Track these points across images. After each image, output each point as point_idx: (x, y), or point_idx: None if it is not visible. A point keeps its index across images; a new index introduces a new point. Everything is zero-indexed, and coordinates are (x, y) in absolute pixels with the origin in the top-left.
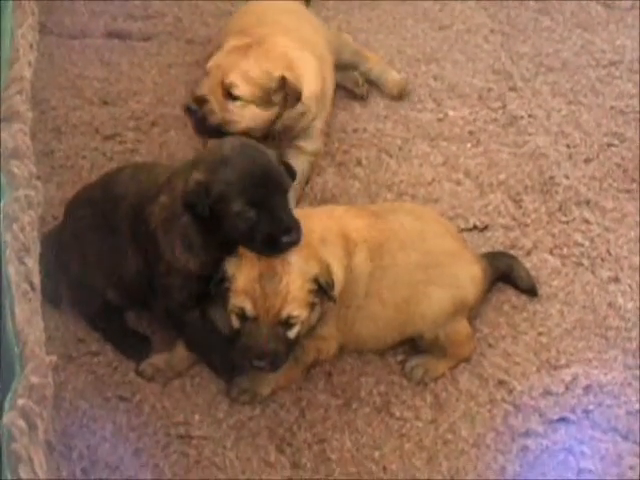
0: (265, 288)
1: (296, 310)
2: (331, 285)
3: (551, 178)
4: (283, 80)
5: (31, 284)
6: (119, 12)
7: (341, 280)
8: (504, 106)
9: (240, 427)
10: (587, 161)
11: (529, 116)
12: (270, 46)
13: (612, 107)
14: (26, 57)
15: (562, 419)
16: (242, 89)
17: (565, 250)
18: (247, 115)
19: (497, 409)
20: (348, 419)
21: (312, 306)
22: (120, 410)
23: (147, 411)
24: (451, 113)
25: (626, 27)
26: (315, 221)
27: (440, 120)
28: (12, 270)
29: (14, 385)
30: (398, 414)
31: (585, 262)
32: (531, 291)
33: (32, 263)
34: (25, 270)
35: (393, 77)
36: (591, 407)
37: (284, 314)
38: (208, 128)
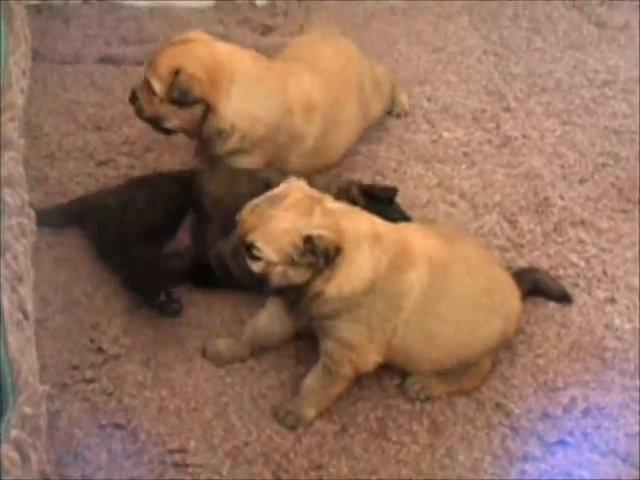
0: (259, 207)
1: (262, 244)
2: (324, 254)
3: (546, 199)
4: (176, 74)
5: (24, 313)
6: (112, 37)
7: (364, 281)
8: (498, 127)
9: (236, 453)
10: (582, 181)
11: (523, 137)
12: (190, 46)
13: (606, 127)
14: (19, 84)
15: (560, 442)
16: (156, 86)
17: (561, 271)
18: (169, 113)
19: (495, 433)
20: (345, 444)
21: (293, 262)
22: (115, 438)
23: (142, 438)
24: (445, 134)
25: (619, 47)
26: (380, 225)
27: (434, 141)
28: (5, 299)
29: (7, 416)
30: (395, 439)
31: (581, 283)
32: (564, 298)
33: (25, 292)
34: (18, 299)
35: (402, 99)
36: (589, 430)
37: (248, 239)
38: (145, 120)
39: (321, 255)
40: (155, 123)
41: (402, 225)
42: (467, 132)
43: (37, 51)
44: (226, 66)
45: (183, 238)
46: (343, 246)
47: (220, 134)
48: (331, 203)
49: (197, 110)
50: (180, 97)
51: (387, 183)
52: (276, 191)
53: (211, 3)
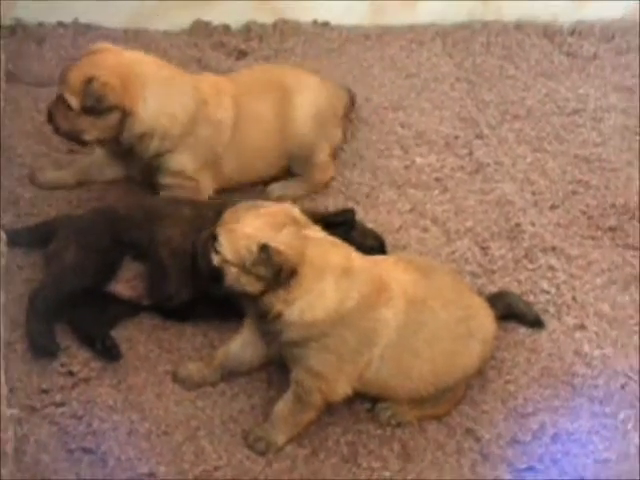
0: (240, 208)
1: (223, 239)
2: (275, 269)
3: (517, 225)
4: (88, 84)
5: None
6: None
7: (326, 310)
8: (471, 153)
9: (206, 478)
10: (552, 208)
11: (495, 163)
12: (99, 56)
13: (576, 155)
14: None
15: (530, 468)
16: (70, 100)
17: (531, 297)
18: (86, 125)
19: (465, 458)
20: (315, 469)
21: (245, 268)
22: (84, 462)
23: (112, 463)
24: (418, 160)
25: (589, 76)
26: (357, 260)
27: (407, 167)
28: None
29: None
30: (365, 464)
31: (551, 309)
32: (537, 322)
33: None
34: None
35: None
36: (559, 456)
37: (216, 231)
38: (64, 136)
39: (271, 268)
40: (74, 137)
41: (381, 259)
42: (440, 158)
43: (11, 72)
44: (136, 72)
45: (127, 277)
46: (300, 270)
47: (141, 139)
48: (313, 232)
49: (113, 118)
50: (95, 105)
51: (360, 208)
52: (265, 203)
53: (185, 26)
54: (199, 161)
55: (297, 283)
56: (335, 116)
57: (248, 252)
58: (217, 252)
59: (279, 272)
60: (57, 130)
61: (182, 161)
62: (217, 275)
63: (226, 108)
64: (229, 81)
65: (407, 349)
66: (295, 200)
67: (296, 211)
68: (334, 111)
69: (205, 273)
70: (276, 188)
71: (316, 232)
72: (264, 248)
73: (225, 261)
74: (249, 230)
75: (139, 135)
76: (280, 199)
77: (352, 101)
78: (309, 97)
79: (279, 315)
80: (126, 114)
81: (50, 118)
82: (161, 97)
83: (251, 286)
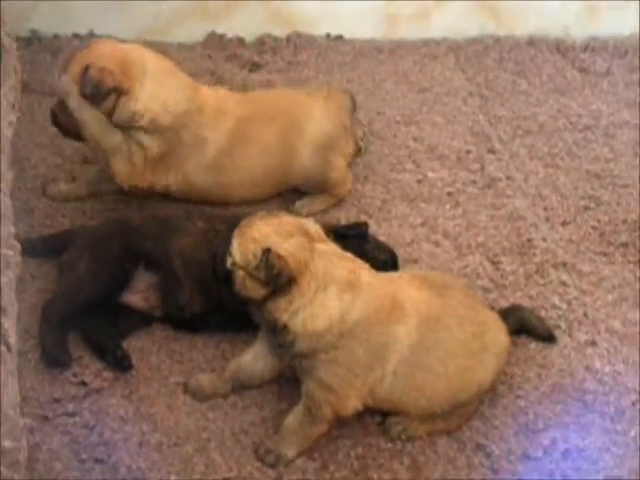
0: (259, 215)
1: (235, 242)
2: (273, 273)
3: (529, 240)
4: (85, 70)
5: (7, 345)
6: None
7: (328, 321)
8: (482, 168)
9: None
10: (564, 224)
11: (507, 178)
12: (95, 46)
13: (588, 171)
14: (7, 117)
15: None
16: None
17: (542, 312)
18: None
19: (475, 473)
20: None
21: (249, 272)
22: (95, 472)
23: (123, 473)
24: (430, 174)
25: (601, 92)
26: (367, 276)
27: (419, 181)
28: None
29: None
30: (376, 477)
31: (562, 325)
32: (549, 337)
33: (9, 324)
34: (2, 331)
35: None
36: (569, 472)
37: (233, 234)
38: (68, 134)
39: (270, 273)
40: (77, 133)
41: (396, 277)
42: (452, 173)
43: (25, 83)
44: (135, 58)
45: (140, 288)
46: (301, 281)
47: (132, 119)
48: (324, 245)
49: (111, 101)
50: (93, 90)
51: (372, 222)
52: (282, 214)
53: (200, 38)
54: (160, 152)
55: (299, 293)
56: (344, 128)
57: (253, 256)
58: (230, 254)
59: (277, 277)
60: (60, 128)
61: (149, 144)
62: (229, 278)
63: (218, 131)
64: (238, 101)
65: (421, 366)
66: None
67: (312, 225)
68: (343, 126)
69: (220, 275)
70: (304, 205)
71: (327, 246)
72: (267, 252)
73: (234, 264)
74: (257, 235)
75: (130, 115)
76: (309, 215)
77: (353, 102)
78: (317, 127)
79: (285, 326)
80: (121, 94)
81: (54, 118)
82: (158, 85)
83: (255, 291)
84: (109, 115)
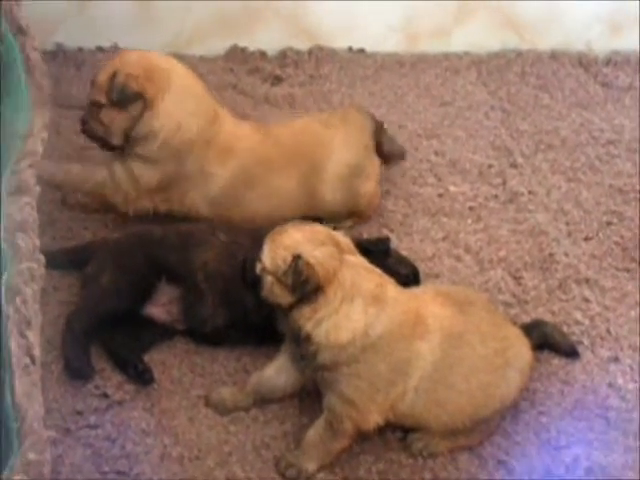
0: (292, 224)
1: (266, 248)
2: (301, 279)
3: (551, 255)
4: (112, 78)
5: (32, 357)
6: None
7: (351, 333)
8: (504, 182)
9: None
10: (587, 239)
11: (529, 193)
12: (124, 54)
13: (611, 185)
14: (40, 134)
15: None
16: (98, 97)
17: (565, 328)
18: (114, 120)
19: None
20: None
21: (278, 278)
22: None
23: None
24: (452, 189)
25: (624, 107)
26: (392, 291)
27: (441, 195)
28: (13, 344)
29: (11, 461)
30: None
31: (585, 341)
32: (572, 353)
33: (33, 336)
34: (26, 343)
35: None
36: None
37: (265, 240)
38: (96, 141)
39: (298, 279)
40: (105, 140)
41: (420, 293)
42: (473, 187)
43: (50, 96)
44: (162, 67)
45: (162, 301)
46: (328, 290)
47: (147, 136)
48: (353, 257)
49: (137, 108)
50: (119, 95)
51: (393, 236)
52: (313, 223)
53: (222, 52)
54: (155, 183)
55: (325, 302)
56: (367, 149)
57: (283, 262)
58: (260, 260)
59: (304, 284)
60: (90, 135)
61: (151, 176)
62: (257, 283)
63: (226, 171)
64: (258, 142)
65: (443, 383)
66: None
67: (342, 237)
68: (365, 148)
69: (248, 281)
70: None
71: (356, 258)
72: (297, 258)
73: (264, 269)
74: (288, 242)
75: (149, 130)
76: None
77: (371, 119)
78: (338, 161)
79: (308, 336)
80: (147, 106)
81: (83, 126)
82: (178, 103)
83: (282, 298)
84: (131, 126)
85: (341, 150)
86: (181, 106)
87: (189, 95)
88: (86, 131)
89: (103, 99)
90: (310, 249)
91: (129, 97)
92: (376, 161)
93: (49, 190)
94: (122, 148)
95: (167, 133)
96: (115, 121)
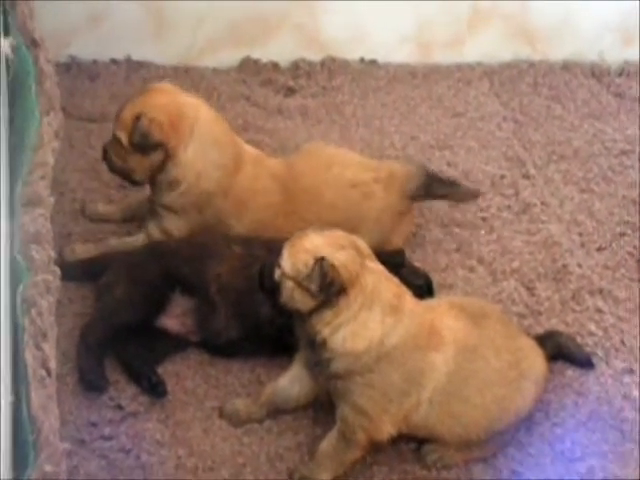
0: (313, 229)
1: (286, 253)
2: (325, 282)
3: (564, 266)
4: (137, 120)
5: (47, 370)
6: None
7: (368, 342)
8: (517, 193)
9: None
10: (600, 250)
11: (542, 204)
12: (152, 94)
13: (624, 196)
14: (50, 144)
15: None
16: (121, 136)
17: (579, 339)
18: (135, 163)
19: None
20: None
21: (300, 283)
22: None
23: None
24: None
25: (637, 117)
26: (409, 302)
27: (453, 206)
28: (29, 356)
29: (27, 473)
30: None
31: (599, 352)
32: (587, 363)
33: (49, 348)
34: (42, 356)
35: None
36: None
37: (284, 245)
38: (117, 173)
39: (322, 281)
40: (126, 176)
41: (435, 305)
42: (486, 198)
43: (64, 108)
44: (189, 115)
45: (176, 312)
46: (350, 293)
47: (170, 184)
48: (374, 264)
49: (157, 157)
50: (141, 141)
51: (407, 247)
52: (332, 229)
53: (235, 63)
54: (186, 233)
55: (345, 306)
56: (400, 215)
57: (304, 266)
58: (279, 266)
59: (329, 286)
60: (111, 167)
61: (179, 226)
62: (276, 290)
63: (241, 222)
64: (277, 190)
65: (457, 396)
66: None
67: (361, 242)
68: (399, 213)
69: (266, 287)
70: None
71: (376, 265)
72: (320, 261)
73: (283, 274)
74: (309, 246)
75: (171, 180)
76: None
77: (419, 177)
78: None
79: (324, 342)
80: (169, 155)
81: (105, 156)
82: (200, 152)
83: (302, 303)
84: (155, 173)
85: (374, 225)
86: (203, 156)
87: (212, 144)
88: (107, 161)
89: (124, 138)
90: (332, 252)
91: (150, 145)
92: (409, 222)
93: (65, 202)
94: (143, 184)
95: (188, 183)
96: (136, 163)
